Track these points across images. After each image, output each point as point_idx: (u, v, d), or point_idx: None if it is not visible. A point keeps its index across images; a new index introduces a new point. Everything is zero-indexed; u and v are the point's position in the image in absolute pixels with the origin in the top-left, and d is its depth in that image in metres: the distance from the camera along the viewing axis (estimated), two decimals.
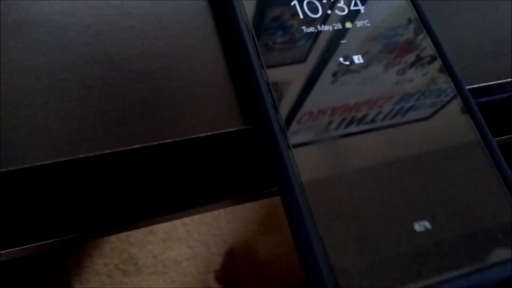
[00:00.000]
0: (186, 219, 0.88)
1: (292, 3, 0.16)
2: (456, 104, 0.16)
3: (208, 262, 0.86)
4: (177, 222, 0.87)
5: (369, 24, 0.17)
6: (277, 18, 0.16)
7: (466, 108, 0.16)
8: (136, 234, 0.84)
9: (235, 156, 0.17)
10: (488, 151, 0.15)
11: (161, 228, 0.86)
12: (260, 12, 0.16)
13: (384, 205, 0.14)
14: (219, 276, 0.82)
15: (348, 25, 0.17)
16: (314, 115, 0.14)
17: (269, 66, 0.14)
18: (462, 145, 0.16)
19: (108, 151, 0.14)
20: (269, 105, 0.14)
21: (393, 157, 0.14)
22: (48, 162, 0.13)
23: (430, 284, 0.13)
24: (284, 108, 0.14)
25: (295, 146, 0.14)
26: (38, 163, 0.13)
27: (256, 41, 0.15)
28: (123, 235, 0.83)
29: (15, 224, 0.16)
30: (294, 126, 0.14)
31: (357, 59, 0.16)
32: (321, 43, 0.16)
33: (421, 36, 0.17)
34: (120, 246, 0.83)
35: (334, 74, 0.15)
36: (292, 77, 0.15)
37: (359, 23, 0.17)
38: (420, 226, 0.14)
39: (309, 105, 0.14)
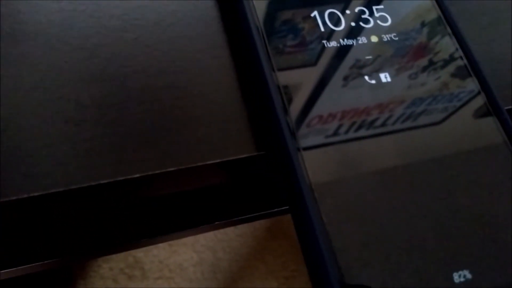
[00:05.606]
0: None
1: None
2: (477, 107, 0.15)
3: (214, 268, 0.84)
4: None
5: (396, 38, 0.15)
6: (289, 20, 0.15)
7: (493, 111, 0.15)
8: None
9: (242, 182, 0.15)
10: None
11: None
12: (272, 14, 0.15)
13: (394, 208, 0.13)
14: None
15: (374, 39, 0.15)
16: (324, 118, 0.14)
17: (280, 69, 0.14)
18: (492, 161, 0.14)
19: (104, 181, 0.12)
20: (279, 107, 0.13)
21: (404, 162, 0.14)
22: (36, 194, 0.12)
23: None
24: (294, 110, 0.14)
25: (305, 149, 0.13)
26: (25, 195, 0.12)
27: (266, 43, 0.14)
28: None
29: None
30: (304, 128, 0.13)
31: (384, 76, 0.14)
32: (333, 47, 0.15)
33: (455, 51, 0.16)
34: None
35: (345, 78, 0.15)
36: (302, 80, 0.14)
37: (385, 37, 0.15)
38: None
39: (319, 108, 0.14)
